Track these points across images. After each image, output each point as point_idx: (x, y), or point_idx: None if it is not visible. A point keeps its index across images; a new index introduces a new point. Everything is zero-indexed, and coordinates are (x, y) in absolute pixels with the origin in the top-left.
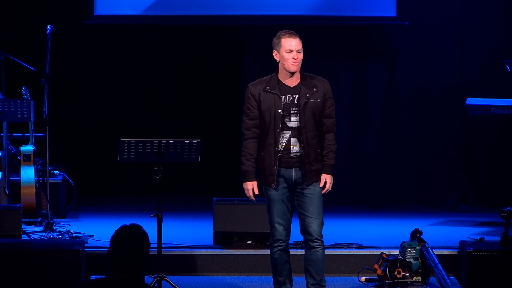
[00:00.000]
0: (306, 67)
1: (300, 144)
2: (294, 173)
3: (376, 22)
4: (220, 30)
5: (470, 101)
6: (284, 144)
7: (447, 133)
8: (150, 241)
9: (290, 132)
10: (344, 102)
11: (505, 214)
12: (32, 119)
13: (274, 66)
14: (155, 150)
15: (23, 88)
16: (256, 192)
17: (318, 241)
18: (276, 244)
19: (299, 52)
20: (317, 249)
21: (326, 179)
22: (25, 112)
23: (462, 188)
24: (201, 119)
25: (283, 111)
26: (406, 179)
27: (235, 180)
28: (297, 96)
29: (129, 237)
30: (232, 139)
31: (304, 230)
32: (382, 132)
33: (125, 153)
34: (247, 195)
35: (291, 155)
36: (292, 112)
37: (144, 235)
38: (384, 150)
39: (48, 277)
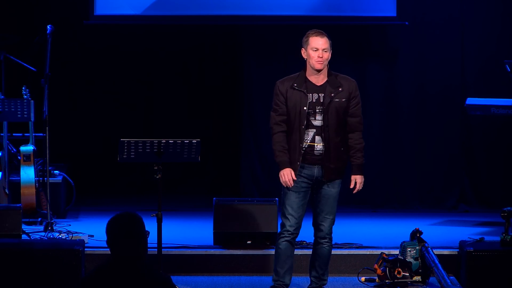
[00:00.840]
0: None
1: (323, 142)
2: (316, 171)
3: (376, 22)
4: (220, 30)
5: (470, 101)
6: (308, 142)
7: (447, 133)
8: (150, 241)
9: (314, 130)
10: None
11: (505, 214)
12: (32, 119)
13: (274, 65)
14: (155, 150)
15: (23, 88)
16: (294, 177)
17: (326, 238)
18: (284, 235)
19: (325, 51)
20: (324, 245)
21: (356, 180)
22: (25, 112)
23: (462, 188)
24: (201, 119)
25: (308, 109)
26: (406, 179)
27: (235, 180)
28: (322, 95)
29: (126, 222)
30: (232, 139)
31: (316, 226)
32: (382, 132)
33: (125, 153)
34: (284, 180)
35: (315, 152)
36: (317, 110)
37: (139, 218)
38: (384, 150)
39: (48, 277)
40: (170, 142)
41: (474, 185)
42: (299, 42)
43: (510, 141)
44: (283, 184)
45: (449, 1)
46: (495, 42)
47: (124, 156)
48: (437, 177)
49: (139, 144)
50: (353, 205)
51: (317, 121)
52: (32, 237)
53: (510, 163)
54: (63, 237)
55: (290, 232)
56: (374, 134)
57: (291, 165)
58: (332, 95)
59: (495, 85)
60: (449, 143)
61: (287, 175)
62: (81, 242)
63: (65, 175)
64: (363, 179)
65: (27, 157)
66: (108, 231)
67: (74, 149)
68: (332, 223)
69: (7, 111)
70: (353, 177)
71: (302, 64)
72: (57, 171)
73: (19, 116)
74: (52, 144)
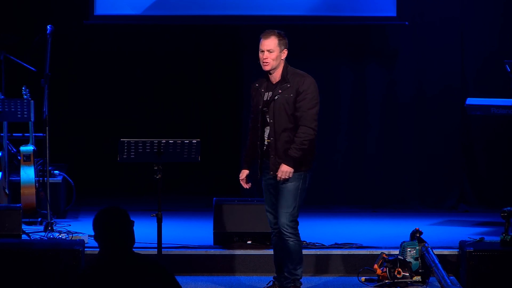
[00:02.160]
0: (306, 67)
1: (272, 138)
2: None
3: (376, 22)
4: (220, 30)
5: (470, 101)
6: (266, 138)
7: (447, 133)
8: (150, 241)
9: (269, 127)
10: (344, 102)
11: (505, 214)
12: (32, 119)
13: None
14: (155, 150)
15: (23, 88)
16: (243, 177)
17: (285, 232)
18: (271, 231)
19: (270, 51)
20: (287, 240)
21: (281, 167)
22: (25, 112)
23: (462, 188)
24: (201, 119)
25: (263, 107)
26: (406, 179)
27: (235, 180)
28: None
29: (111, 216)
30: (232, 139)
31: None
32: (382, 132)
33: (125, 153)
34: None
35: (269, 149)
36: (270, 108)
37: (124, 211)
38: (384, 150)
39: (48, 277)
40: (170, 142)
41: (474, 185)
42: (298, 42)
43: (510, 141)
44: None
45: (449, 1)
46: (495, 42)
47: (124, 156)
48: (437, 177)
49: (139, 144)
50: (353, 205)
51: (269, 118)
52: (32, 237)
53: (510, 163)
54: (63, 237)
55: (272, 229)
56: (374, 134)
57: (253, 162)
58: (280, 91)
59: (495, 85)
60: (449, 143)
61: (240, 177)
62: (81, 242)
63: (65, 175)
64: (288, 169)
65: (27, 157)
66: (94, 227)
67: (74, 149)
68: (289, 217)
69: (7, 111)
70: (281, 165)
71: (302, 64)
72: (57, 171)
73: (19, 116)
74: (52, 144)
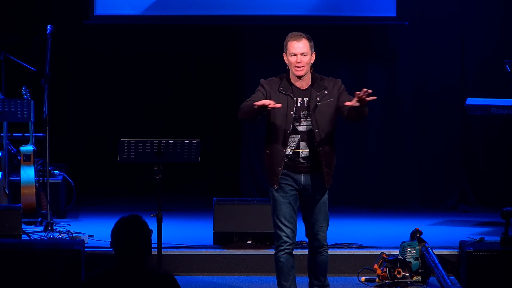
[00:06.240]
0: None
1: (309, 148)
2: (303, 179)
3: (376, 22)
4: (220, 30)
5: (470, 101)
6: (293, 148)
7: (447, 133)
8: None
9: (299, 136)
10: None
11: (505, 214)
12: (32, 119)
13: (274, 65)
14: (155, 150)
15: (23, 88)
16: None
17: (324, 244)
18: (283, 248)
19: (304, 55)
20: (323, 253)
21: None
22: (25, 112)
23: (462, 188)
24: (201, 119)
25: (294, 114)
26: (406, 179)
27: (235, 180)
28: (307, 99)
29: (130, 226)
30: (232, 139)
31: (312, 236)
32: (382, 132)
33: (125, 153)
34: (261, 103)
35: (300, 159)
36: (302, 115)
37: (144, 223)
38: (384, 150)
39: (48, 277)
40: (170, 142)
41: (474, 185)
42: None
43: (510, 141)
44: (262, 104)
45: (449, 1)
46: (495, 42)
47: (124, 156)
48: (437, 177)
49: (139, 144)
50: (353, 205)
51: (302, 126)
52: (32, 237)
53: (510, 163)
54: (63, 237)
55: (288, 244)
56: (374, 134)
57: (273, 169)
58: (318, 98)
59: (495, 85)
60: (449, 143)
61: (259, 100)
62: (81, 242)
63: (65, 175)
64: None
65: (27, 157)
66: (113, 235)
67: (74, 149)
68: (327, 228)
69: (7, 111)
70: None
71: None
72: (57, 171)
73: (19, 116)
74: (52, 144)
